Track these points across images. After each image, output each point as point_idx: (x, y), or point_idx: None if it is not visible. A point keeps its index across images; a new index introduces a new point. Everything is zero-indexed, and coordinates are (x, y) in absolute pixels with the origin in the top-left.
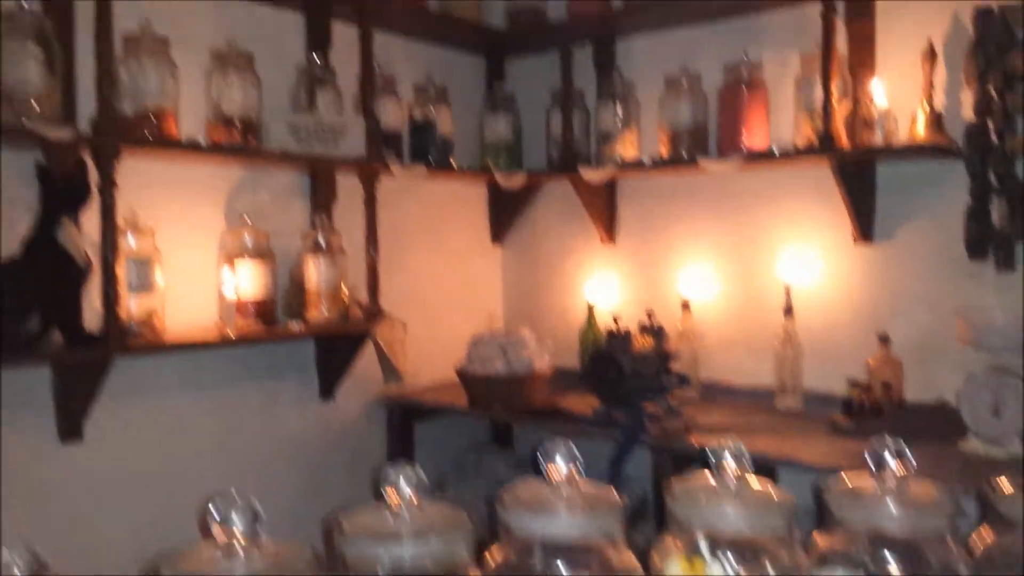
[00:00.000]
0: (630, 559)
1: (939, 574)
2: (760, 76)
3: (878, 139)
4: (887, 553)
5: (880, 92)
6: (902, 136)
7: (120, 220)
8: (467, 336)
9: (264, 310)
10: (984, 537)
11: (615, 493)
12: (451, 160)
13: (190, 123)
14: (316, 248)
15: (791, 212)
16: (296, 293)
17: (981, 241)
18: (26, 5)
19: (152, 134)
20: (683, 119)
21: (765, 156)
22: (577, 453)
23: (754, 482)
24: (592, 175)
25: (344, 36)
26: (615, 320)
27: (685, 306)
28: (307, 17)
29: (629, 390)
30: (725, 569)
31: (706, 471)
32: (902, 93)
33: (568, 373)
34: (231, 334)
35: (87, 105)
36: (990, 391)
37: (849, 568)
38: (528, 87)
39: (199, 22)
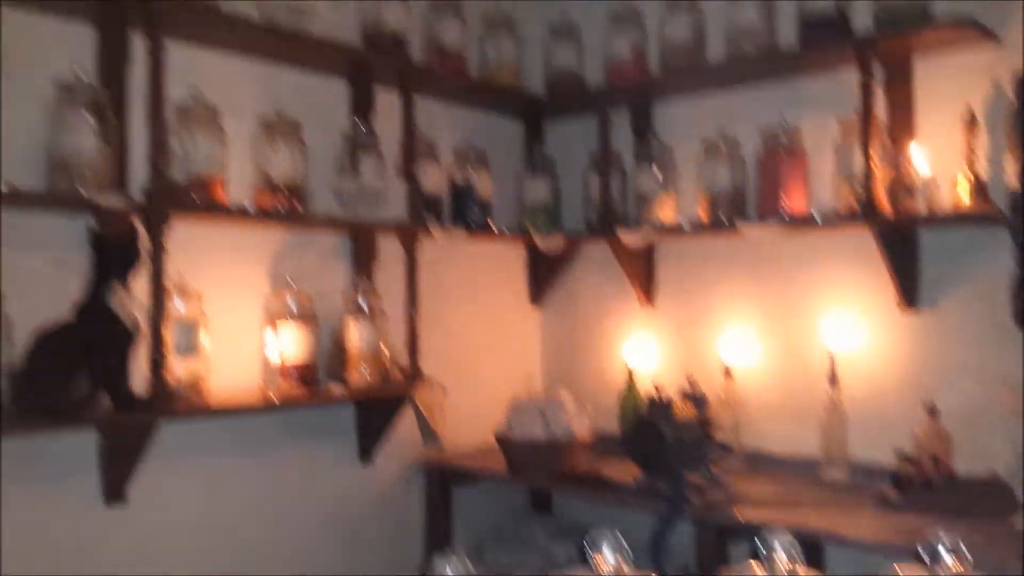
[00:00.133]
0: None
1: None
2: (799, 141)
3: (920, 206)
4: None
5: (921, 158)
6: (945, 203)
7: (168, 284)
8: (506, 398)
9: (306, 373)
10: None
11: None
12: (490, 223)
13: (238, 188)
14: (357, 310)
15: (832, 277)
16: (338, 355)
17: None
18: (82, 76)
19: (201, 201)
20: (721, 183)
21: (805, 222)
22: (624, 543)
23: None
24: (630, 238)
25: (387, 102)
26: (656, 388)
27: (727, 372)
28: (352, 85)
29: (671, 459)
30: None
31: (754, 562)
32: (944, 159)
33: (608, 437)
34: (274, 398)
35: (139, 172)
36: None
37: None
38: (566, 150)
39: (248, 91)
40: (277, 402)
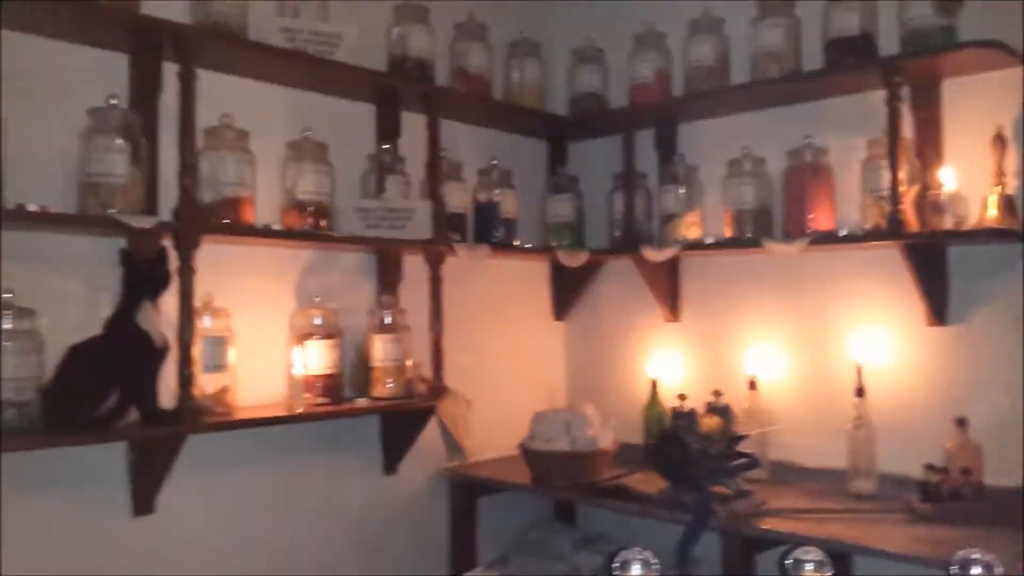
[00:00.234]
0: None
1: None
2: (825, 159)
3: (948, 223)
4: None
5: (949, 175)
6: (973, 219)
7: (197, 302)
8: (530, 412)
9: (331, 386)
10: None
11: None
12: (514, 240)
13: (265, 208)
14: (382, 326)
15: (859, 293)
16: (362, 369)
17: None
18: (115, 103)
19: (230, 221)
20: (747, 201)
21: (832, 239)
22: (653, 560)
23: None
24: (654, 255)
25: (412, 123)
26: (680, 399)
27: (752, 385)
28: (378, 108)
29: (695, 471)
30: None
31: None
32: (972, 176)
33: (631, 449)
34: (299, 410)
35: (169, 194)
36: None
37: None
38: (590, 168)
39: (276, 115)
40: (302, 414)
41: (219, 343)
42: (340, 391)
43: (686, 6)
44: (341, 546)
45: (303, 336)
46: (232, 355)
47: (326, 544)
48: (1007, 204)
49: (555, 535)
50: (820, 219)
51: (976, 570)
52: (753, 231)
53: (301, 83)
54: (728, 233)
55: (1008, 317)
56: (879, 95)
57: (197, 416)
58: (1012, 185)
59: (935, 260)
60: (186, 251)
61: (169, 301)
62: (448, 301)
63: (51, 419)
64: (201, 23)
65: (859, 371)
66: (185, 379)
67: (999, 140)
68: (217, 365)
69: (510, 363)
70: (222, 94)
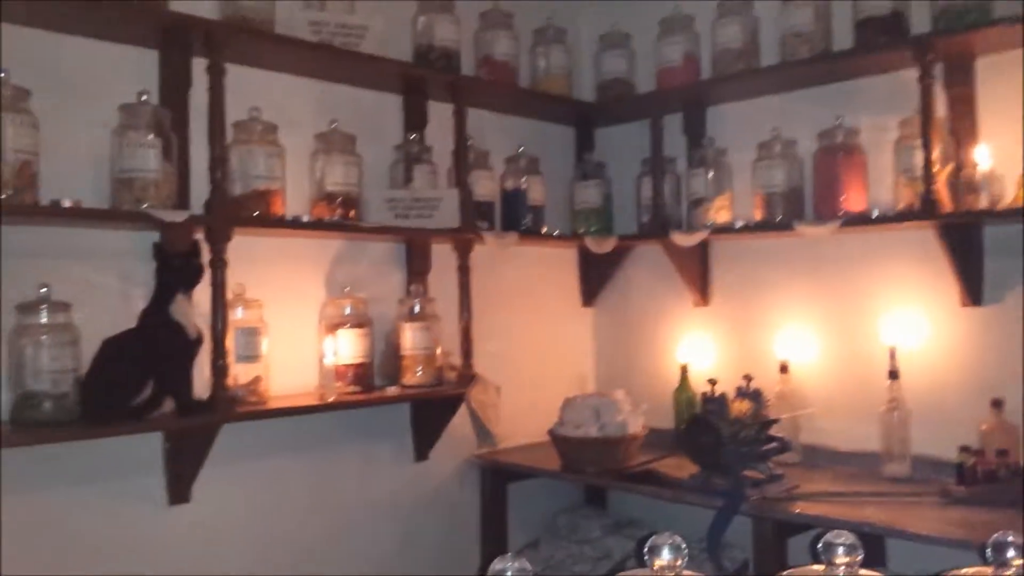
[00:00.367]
0: None
1: None
2: (857, 140)
3: (983, 202)
4: None
5: (983, 154)
6: (1008, 198)
7: (229, 294)
8: (559, 398)
9: (362, 374)
10: None
11: None
12: (542, 227)
13: (295, 200)
14: (411, 315)
15: (892, 275)
16: (392, 357)
17: None
18: (146, 98)
19: (260, 213)
20: (777, 183)
21: (865, 220)
22: (683, 545)
23: None
24: (684, 240)
25: (439, 112)
26: (711, 383)
27: (784, 368)
28: (405, 98)
29: (727, 456)
30: None
31: (816, 567)
32: (1007, 155)
33: (662, 434)
34: (331, 399)
35: (200, 188)
36: None
37: None
38: (618, 153)
39: (304, 108)
40: (334, 402)
41: (252, 333)
42: (371, 380)
43: None
44: (373, 532)
45: (334, 326)
46: (264, 345)
47: (358, 530)
48: None
49: (585, 520)
50: (852, 200)
51: (1011, 553)
52: (784, 214)
53: (328, 75)
54: (758, 216)
55: None
56: (911, 74)
57: (231, 406)
58: None
59: (969, 240)
60: (218, 244)
61: (202, 293)
62: (476, 289)
63: (88, 411)
64: (229, 18)
65: (892, 353)
66: (219, 369)
67: None
68: (250, 355)
69: (539, 350)
70: (251, 88)
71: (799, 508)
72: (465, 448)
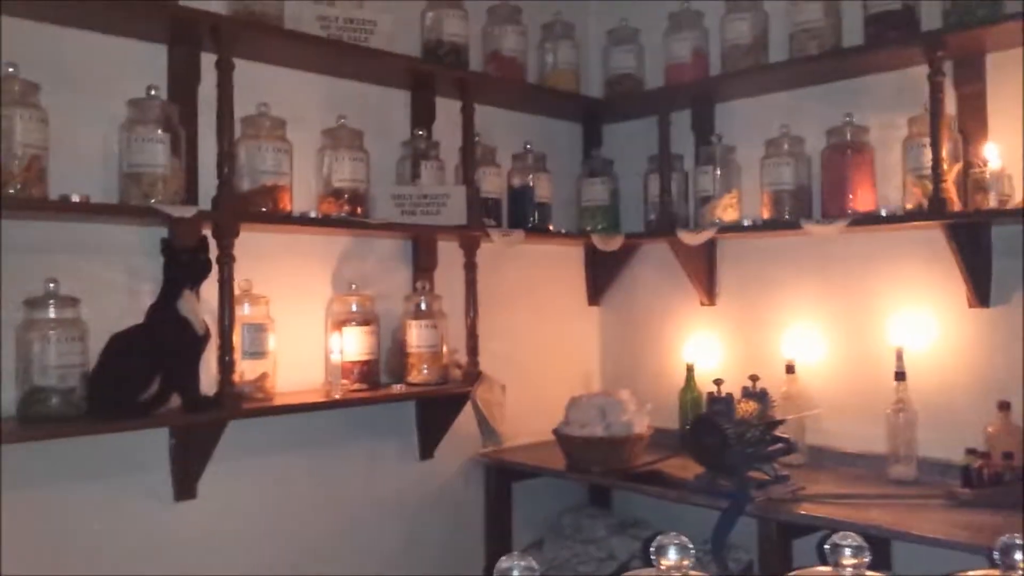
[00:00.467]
0: None
1: None
2: (866, 138)
3: (992, 201)
4: None
5: (993, 153)
6: (1017, 198)
7: (236, 290)
8: (565, 397)
9: (368, 371)
10: None
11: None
12: (548, 225)
13: (302, 196)
14: (417, 312)
15: (900, 275)
16: (398, 354)
17: None
18: (154, 93)
19: (268, 209)
20: (785, 181)
21: (873, 219)
22: (690, 545)
23: None
24: (691, 238)
25: (446, 108)
26: (717, 383)
27: (790, 369)
28: (412, 94)
29: (733, 457)
30: None
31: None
32: (1016, 153)
33: (667, 434)
34: (337, 396)
35: (208, 183)
36: None
37: None
38: (625, 151)
39: (312, 103)
40: (340, 400)
41: (258, 330)
42: (377, 377)
43: None
44: (378, 530)
45: (340, 322)
46: (271, 342)
47: (363, 528)
48: None
49: (590, 520)
50: (860, 199)
51: (1019, 556)
52: (791, 212)
53: (336, 71)
54: (766, 215)
55: None
56: (921, 71)
57: (237, 402)
58: None
59: (978, 240)
60: (225, 240)
61: (209, 289)
62: (483, 286)
63: (95, 406)
64: (238, 13)
65: (899, 354)
66: (226, 366)
67: None
68: (257, 352)
69: (545, 348)
70: (259, 83)
71: (804, 509)
72: (470, 447)
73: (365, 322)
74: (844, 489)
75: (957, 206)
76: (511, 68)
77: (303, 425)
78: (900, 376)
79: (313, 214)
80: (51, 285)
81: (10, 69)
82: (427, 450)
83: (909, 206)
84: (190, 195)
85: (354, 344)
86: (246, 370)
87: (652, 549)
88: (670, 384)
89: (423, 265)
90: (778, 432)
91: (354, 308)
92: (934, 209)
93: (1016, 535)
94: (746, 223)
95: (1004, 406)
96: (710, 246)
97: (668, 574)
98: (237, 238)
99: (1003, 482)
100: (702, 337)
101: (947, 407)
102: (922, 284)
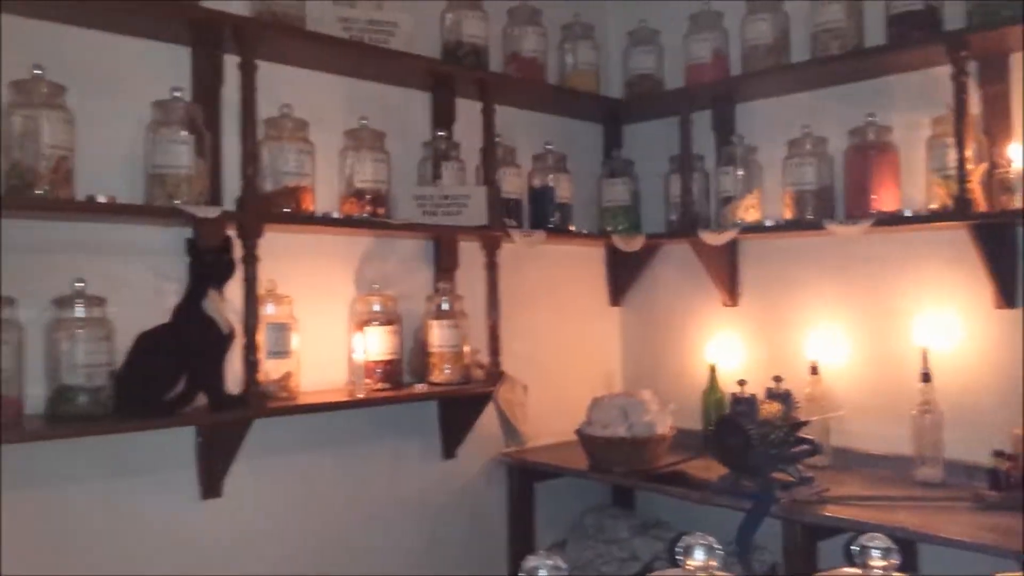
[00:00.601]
0: None
1: None
2: (889, 138)
3: (1017, 202)
4: None
5: (1018, 153)
6: None
7: (261, 290)
8: (586, 397)
9: (390, 371)
10: None
11: None
12: (569, 225)
13: (324, 197)
14: (439, 312)
15: (924, 276)
16: (420, 354)
17: None
18: (178, 94)
19: (291, 210)
20: (808, 182)
21: (897, 220)
22: (717, 546)
23: None
24: (713, 239)
25: (467, 109)
26: (740, 384)
27: (814, 370)
28: (433, 95)
29: (756, 458)
30: None
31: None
32: None
33: (690, 435)
34: (360, 395)
35: (232, 184)
36: None
37: None
38: (646, 151)
39: (334, 105)
40: (363, 399)
41: (282, 329)
42: (399, 376)
43: None
44: (400, 529)
45: (363, 322)
46: (295, 341)
47: (386, 527)
48: None
49: (613, 520)
50: (884, 199)
51: None
52: (814, 213)
53: (358, 72)
54: (788, 215)
55: None
56: (944, 71)
57: (262, 401)
58: None
59: (1004, 240)
60: (249, 240)
61: (234, 289)
62: (504, 287)
63: (122, 404)
64: (261, 15)
65: (925, 355)
66: (250, 365)
67: None
68: (281, 351)
69: (566, 348)
70: (281, 85)
71: (830, 511)
72: (492, 446)
73: (387, 322)
74: (869, 491)
75: (982, 207)
76: (531, 69)
77: (326, 424)
78: (926, 377)
79: (335, 214)
80: (78, 285)
81: (37, 71)
82: (450, 450)
83: (934, 206)
84: (214, 196)
85: (377, 344)
86: (270, 369)
87: (679, 549)
88: (692, 385)
89: (444, 265)
90: (802, 433)
91: (376, 308)
92: (959, 210)
93: None
94: (769, 223)
95: None
96: (732, 246)
97: (694, 575)
98: (261, 238)
99: None
100: (724, 338)
101: (973, 408)
102: (947, 285)
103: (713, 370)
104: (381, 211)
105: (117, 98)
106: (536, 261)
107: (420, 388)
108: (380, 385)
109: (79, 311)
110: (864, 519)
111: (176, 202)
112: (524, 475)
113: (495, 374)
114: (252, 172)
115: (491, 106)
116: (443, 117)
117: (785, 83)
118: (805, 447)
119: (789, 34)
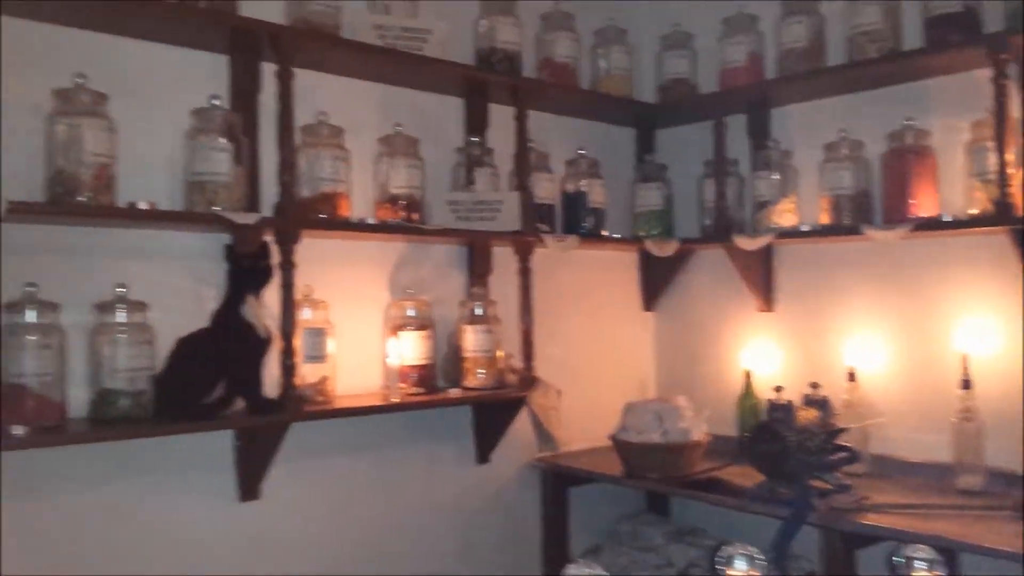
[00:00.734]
0: None
1: None
2: (927, 142)
3: None
4: None
5: None
6: None
7: (297, 295)
8: (620, 403)
9: (425, 376)
10: None
11: None
12: (602, 230)
13: (359, 203)
14: (473, 317)
15: (964, 281)
16: (454, 359)
17: None
18: (216, 102)
19: (327, 216)
20: (845, 186)
21: (936, 225)
22: (759, 555)
23: None
24: (748, 244)
25: (500, 115)
26: (776, 390)
27: (852, 376)
28: (466, 101)
29: (794, 465)
30: None
31: None
32: None
33: (725, 441)
34: (395, 399)
35: (270, 191)
36: None
37: None
38: (680, 156)
39: (369, 111)
40: (398, 403)
41: (319, 334)
42: (434, 381)
43: None
44: (435, 533)
45: (397, 327)
46: (331, 346)
47: (420, 531)
48: None
49: (647, 527)
50: (922, 204)
51: None
52: (851, 217)
53: (392, 79)
54: (825, 220)
55: None
56: (984, 74)
57: (299, 405)
58: None
59: None
60: (287, 246)
61: (271, 294)
62: (537, 292)
63: (162, 408)
64: (297, 23)
65: (965, 362)
66: (288, 369)
67: None
68: (317, 355)
69: (600, 354)
70: (317, 92)
71: (869, 519)
72: (526, 451)
73: (422, 327)
74: (909, 499)
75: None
76: (564, 74)
77: (362, 428)
78: (966, 384)
79: (370, 220)
80: (120, 290)
81: (79, 80)
82: (484, 454)
83: (974, 211)
84: (252, 202)
85: (411, 348)
86: (307, 374)
87: (719, 559)
88: (726, 391)
89: (478, 270)
90: (840, 440)
91: (411, 313)
92: (1000, 214)
93: None
94: (805, 228)
95: None
96: (767, 251)
97: None
98: (298, 244)
99: None
100: (760, 343)
101: (1015, 416)
102: (987, 290)
103: (748, 376)
104: (415, 217)
105: (157, 106)
106: (569, 266)
107: (454, 393)
108: (414, 390)
109: (121, 316)
110: (903, 528)
111: (215, 208)
112: (558, 480)
113: (529, 379)
114: (289, 179)
115: (524, 112)
116: (476, 123)
117: (821, 87)
118: (843, 454)
119: (825, 36)
